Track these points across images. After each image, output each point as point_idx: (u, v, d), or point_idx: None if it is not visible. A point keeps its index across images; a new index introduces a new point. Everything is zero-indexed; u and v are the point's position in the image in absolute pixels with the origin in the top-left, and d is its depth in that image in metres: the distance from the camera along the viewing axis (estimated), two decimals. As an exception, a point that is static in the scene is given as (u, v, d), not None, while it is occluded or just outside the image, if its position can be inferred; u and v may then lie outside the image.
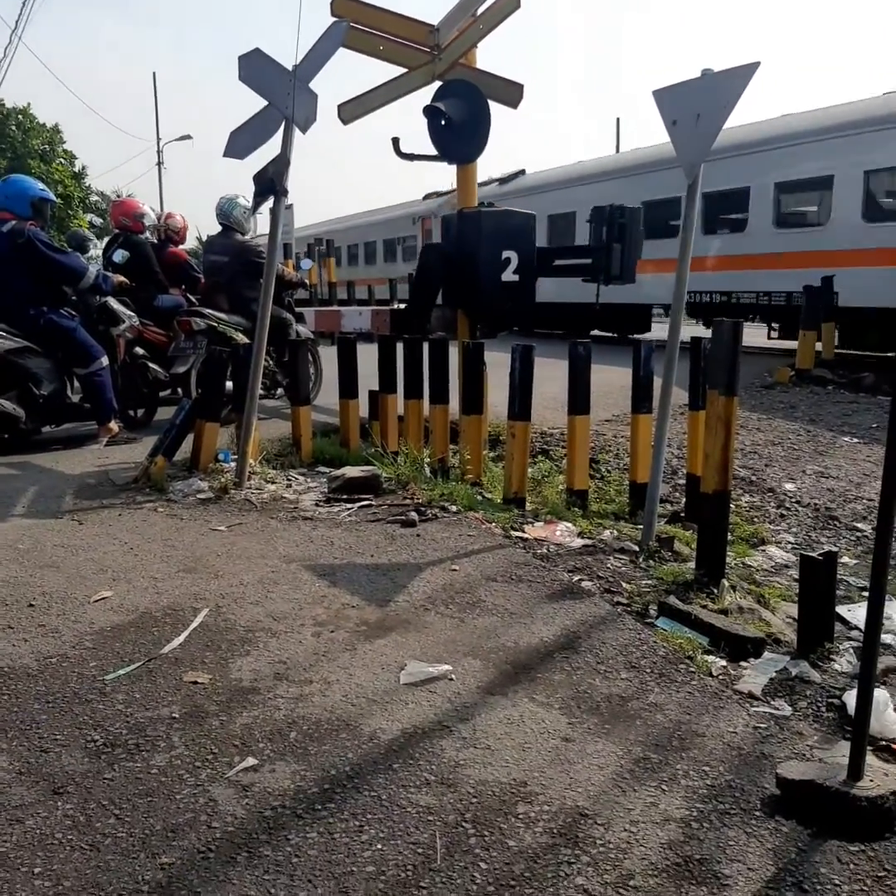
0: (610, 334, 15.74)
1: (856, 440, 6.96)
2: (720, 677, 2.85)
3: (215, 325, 6.70)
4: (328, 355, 7.61)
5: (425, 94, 6.15)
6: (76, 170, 40.04)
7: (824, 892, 1.84)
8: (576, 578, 3.69)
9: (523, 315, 6.47)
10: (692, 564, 3.79)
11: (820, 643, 3.08)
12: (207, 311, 6.82)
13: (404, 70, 6.20)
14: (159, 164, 38.93)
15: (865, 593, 3.46)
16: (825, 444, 6.86)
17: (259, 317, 5.13)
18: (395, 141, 6.30)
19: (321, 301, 17.22)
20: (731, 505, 4.15)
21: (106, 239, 8.69)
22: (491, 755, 2.34)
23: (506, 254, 5.84)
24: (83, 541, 4.10)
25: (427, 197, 22.34)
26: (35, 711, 2.56)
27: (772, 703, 2.71)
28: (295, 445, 5.96)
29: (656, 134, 27.55)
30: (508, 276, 5.86)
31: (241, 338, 6.50)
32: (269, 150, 5.06)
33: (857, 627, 3.36)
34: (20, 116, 37.72)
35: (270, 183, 5.05)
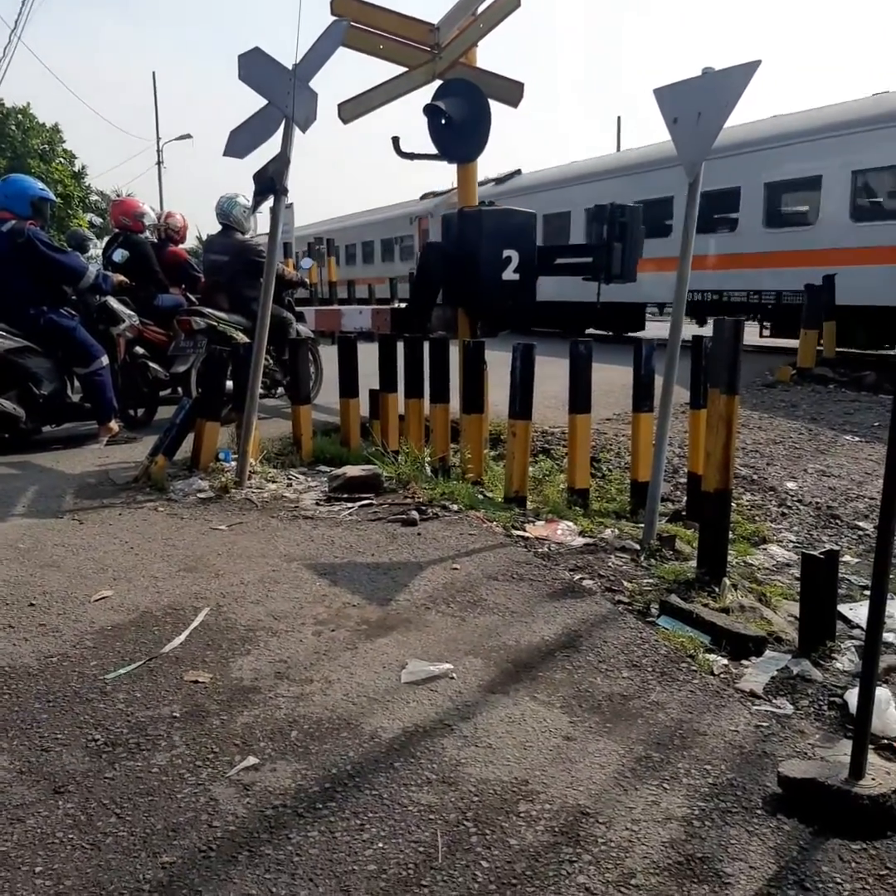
0: (604, 332, 15.77)
1: (857, 439, 6.95)
2: (722, 676, 2.85)
3: (215, 324, 6.70)
4: (329, 354, 7.61)
5: (425, 94, 6.16)
6: (76, 169, 40.09)
7: (826, 890, 1.83)
8: (577, 577, 3.68)
9: (524, 314, 6.46)
10: (693, 563, 3.79)
11: (821, 642, 3.07)
12: (207, 310, 6.82)
13: (404, 69, 6.20)
14: (159, 163, 38.98)
15: (867, 592, 3.47)
16: (827, 442, 6.85)
17: (259, 316, 5.12)
18: (396, 140, 6.30)
19: (321, 300, 17.22)
20: (733, 503, 4.15)
21: (106, 238, 8.69)
22: (492, 754, 2.33)
23: (506, 252, 5.83)
24: (84, 540, 4.09)
25: (424, 197, 22.37)
26: (36, 710, 2.56)
27: (773, 701, 2.70)
28: (295, 444, 5.96)
29: (656, 133, 27.56)
30: (509, 274, 5.86)
31: (242, 337, 6.50)
32: (269, 149, 5.07)
33: (858, 626, 3.36)
34: (20, 116, 37.75)
35: (270, 182, 5.05)
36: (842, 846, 1.97)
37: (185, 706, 2.58)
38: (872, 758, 2.15)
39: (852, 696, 2.53)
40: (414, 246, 21.71)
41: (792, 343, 12.33)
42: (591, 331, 15.10)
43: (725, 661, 2.96)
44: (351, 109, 6.06)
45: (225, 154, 5.14)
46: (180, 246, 8.44)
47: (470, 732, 2.44)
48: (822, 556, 3.07)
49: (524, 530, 4.34)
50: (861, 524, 5.01)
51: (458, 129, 5.96)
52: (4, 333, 5.84)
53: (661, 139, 14.51)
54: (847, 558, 4.40)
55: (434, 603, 3.37)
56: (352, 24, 5.55)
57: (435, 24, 6.17)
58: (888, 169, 11.07)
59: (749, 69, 3.73)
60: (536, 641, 3.03)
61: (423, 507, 4.58)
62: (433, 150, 6.20)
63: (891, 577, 2.13)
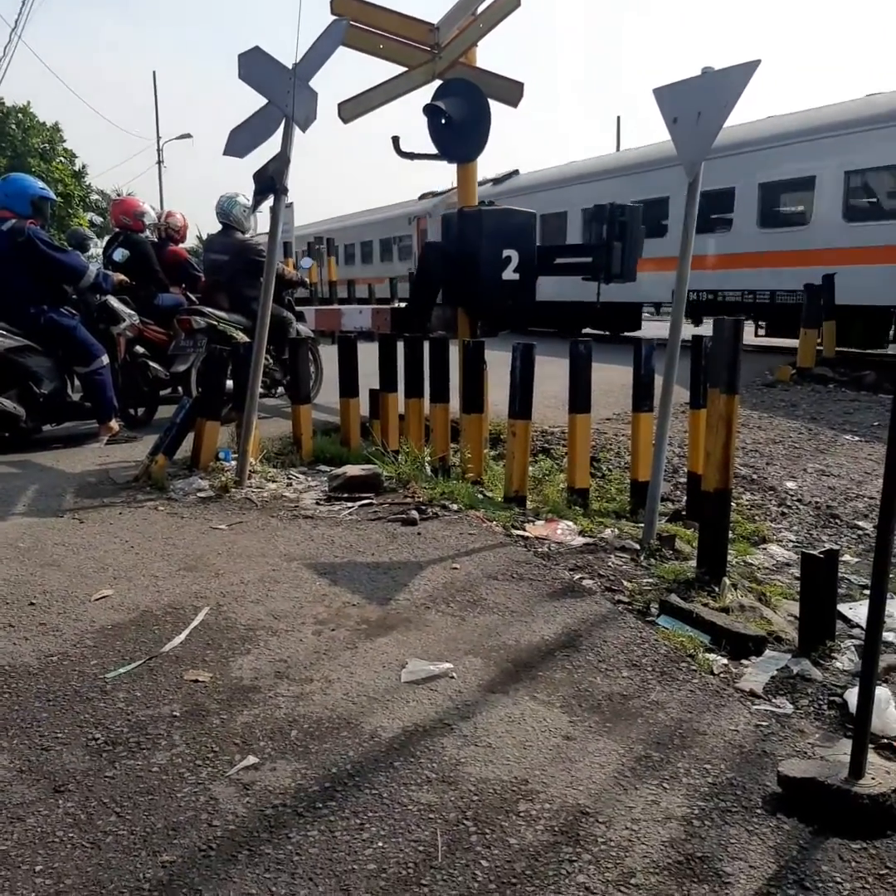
0: (601, 332, 15.81)
1: (857, 438, 6.95)
2: (721, 675, 2.85)
3: (215, 323, 6.70)
4: (329, 354, 7.61)
5: (425, 93, 6.16)
6: (76, 168, 40.05)
7: (826, 889, 1.84)
8: (577, 577, 3.68)
9: (524, 313, 6.47)
10: (693, 563, 3.79)
11: (821, 641, 3.07)
12: (208, 309, 6.82)
13: (404, 69, 6.20)
14: (159, 162, 39.00)
15: (867, 591, 3.47)
16: (826, 442, 6.86)
17: (259, 315, 5.13)
18: (396, 140, 6.30)
19: (321, 300, 17.22)
20: (733, 503, 4.15)
21: (106, 237, 8.69)
22: (492, 753, 2.34)
23: (506, 252, 5.83)
24: (84, 539, 4.10)
25: (422, 197, 22.42)
26: (36, 710, 2.56)
27: (773, 701, 2.71)
28: (295, 444, 5.96)
29: (656, 133, 27.55)
30: (509, 274, 5.86)
31: (242, 336, 6.50)
32: (269, 148, 5.07)
33: (858, 625, 3.36)
34: (20, 115, 37.71)
35: (270, 181, 5.05)
36: (841, 845, 1.97)
37: (186, 705, 2.59)
38: (872, 757, 2.15)
39: (852, 696, 2.53)
40: (412, 246, 21.76)
41: (787, 342, 12.43)
42: (587, 330, 15.17)
43: (725, 661, 2.96)
44: (351, 109, 6.06)
45: (225, 153, 5.14)
46: (180, 245, 8.44)
47: (470, 732, 2.44)
48: (821, 556, 3.08)
49: (524, 530, 4.34)
50: (861, 524, 5.01)
51: (458, 128, 5.97)
52: (5, 332, 5.84)
53: (657, 140, 14.66)
54: (847, 558, 4.40)
55: (434, 602, 3.37)
56: (352, 23, 5.55)
57: (435, 23, 6.18)
58: (880, 169, 11.18)
59: (749, 69, 3.72)
60: (536, 641, 3.03)
61: (423, 507, 4.58)
62: (433, 150, 6.20)
63: (890, 576, 2.14)
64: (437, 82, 6.16)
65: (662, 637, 3.08)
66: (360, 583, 3.57)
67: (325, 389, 7.57)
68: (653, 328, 16.16)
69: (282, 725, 2.47)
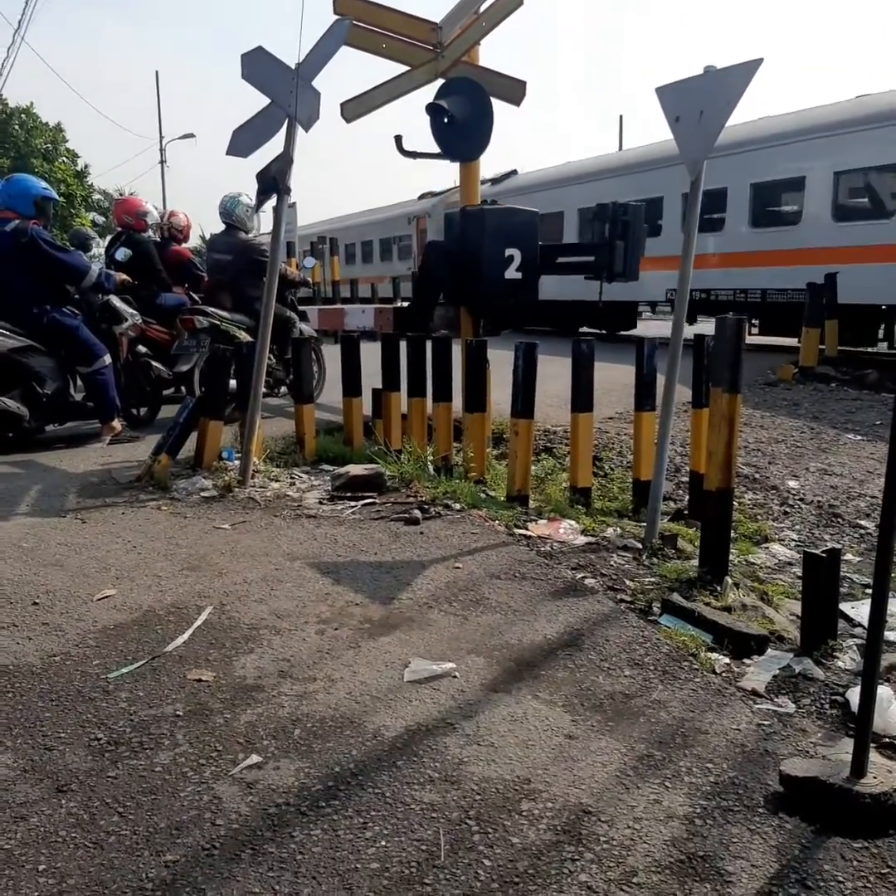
0: (598, 331, 15.87)
1: (859, 437, 6.95)
2: (723, 675, 2.85)
3: (218, 323, 6.71)
4: (332, 353, 7.61)
5: (428, 92, 6.16)
6: (79, 168, 40.07)
7: (828, 888, 1.84)
8: (579, 576, 3.68)
9: (526, 312, 6.47)
10: (695, 562, 3.79)
11: (823, 640, 3.07)
12: (210, 309, 6.83)
13: (407, 68, 6.20)
14: (162, 162, 39.07)
15: (869, 591, 3.46)
16: (828, 441, 6.85)
17: (262, 315, 5.13)
18: (398, 139, 6.30)
19: (324, 300, 17.24)
20: (735, 502, 4.15)
21: (108, 237, 8.71)
22: (495, 752, 2.34)
23: (509, 251, 5.83)
24: (87, 539, 4.10)
25: (422, 197, 22.48)
26: (39, 709, 2.56)
27: (775, 700, 2.71)
28: (298, 443, 5.96)
29: (657, 132, 27.52)
30: (511, 273, 5.85)
31: (245, 336, 6.50)
32: (272, 148, 5.07)
33: (860, 625, 3.36)
34: (23, 116, 37.76)
35: (273, 181, 5.05)
36: (843, 844, 1.97)
37: (189, 705, 2.59)
38: (874, 756, 2.15)
39: (854, 695, 2.53)
40: (412, 245, 21.84)
41: (778, 341, 12.49)
42: (583, 329, 15.26)
43: (727, 660, 2.96)
44: (353, 108, 6.06)
45: (228, 153, 5.15)
46: (183, 245, 8.45)
47: (472, 731, 2.44)
48: (823, 555, 3.07)
49: (526, 529, 4.34)
50: (863, 523, 5.01)
51: (461, 127, 5.96)
52: (7, 332, 5.85)
53: (652, 140, 14.81)
54: (849, 557, 4.40)
55: (437, 602, 3.37)
56: (354, 22, 5.55)
57: (437, 23, 6.17)
58: (869, 170, 11.29)
59: (750, 68, 3.72)
60: (539, 640, 3.04)
61: (426, 506, 4.58)
62: (435, 149, 6.19)
63: (892, 575, 2.14)
64: (440, 81, 6.16)
65: (664, 636, 3.08)
66: (363, 582, 3.57)
67: (328, 389, 7.58)
68: (646, 327, 16.28)
69: (285, 724, 2.48)
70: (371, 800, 2.13)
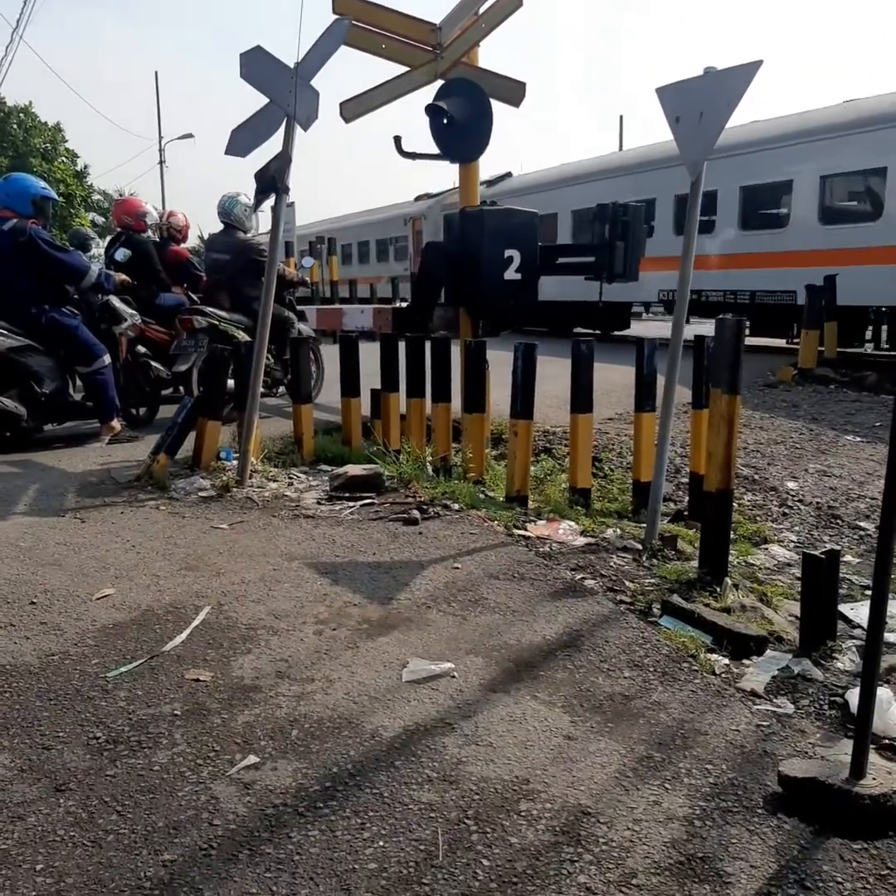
0: (592, 331, 15.92)
1: (858, 439, 6.95)
2: (723, 675, 2.85)
3: (217, 323, 6.70)
4: (330, 354, 7.61)
5: (427, 93, 6.16)
6: (78, 168, 40.05)
7: (827, 889, 1.83)
8: (578, 577, 3.68)
9: (526, 313, 6.47)
10: (695, 563, 3.78)
11: (822, 641, 3.07)
12: (209, 309, 6.82)
13: (406, 68, 6.20)
14: (161, 162, 39.07)
15: (868, 592, 3.46)
16: (828, 442, 6.85)
17: (260, 315, 5.12)
18: (397, 140, 6.30)
19: (323, 300, 17.24)
20: (734, 503, 4.15)
21: (108, 237, 8.70)
22: (493, 753, 2.33)
23: (508, 252, 5.83)
24: (85, 539, 4.10)
25: (418, 198, 22.57)
26: (37, 709, 2.56)
27: (774, 701, 2.70)
28: (297, 444, 5.96)
29: (657, 132, 27.52)
30: (511, 274, 5.85)
31: (243, 336, 6.50)
32: (270, 148, 5.06)
33: (859, 626, 3.36)
34: (22, 115, 37.72)
35: (272, 181, 5.05)
36: (843, 846, 1.97)
37: (186, 704, 2.59)
38: (873, 757, 2.14)
39: (853, 696, 2.53)
40: (408, 246, 21.92)
41: (767, 341, 12.57)
42: (578, 329, 15.34)
43: (727, 661, 2.96)
44: (352, 109, 6.06)
45: (226, 153, 5.14)
46: (182, 245, 8.44)
47: (471, 731, 2.44)
48: (823, 556, 3.07)
49: (526, 530, 4.34)
50: (862, 524, 5.01)
51: (460, 128, 5.96)
52: (6, 332, 5.84)
53: (651, 141, 14.88)
54: (848, 558, 4.40)
55: (435, 602, 3.37)
56: (354, 23, 5.55)
57: (437, 23, 6.17)
58: (854, 174, 11.44)
59: (751, 69, 3.72)
60: (538, 641, 3.03)
61: (425, 507, 4.58)
62: (435, 150, 6.19)
63: (892, 576, 2.13)
64: (439, 82, 6.16)
65: (664, 637, 3.08)
66: (361, 582, 3.57)
67: (327, 389, 7.58)
68: (646, 327, 16.33)
69: (283, 725, 2.47)
70: (369, 800, 2.13)
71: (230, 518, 4.46)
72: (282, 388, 7.60)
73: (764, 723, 2.52)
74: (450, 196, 19.08)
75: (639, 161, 14.79)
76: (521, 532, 4.30)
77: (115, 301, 6.65)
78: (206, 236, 26.41)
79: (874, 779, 2.07)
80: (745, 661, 2.99)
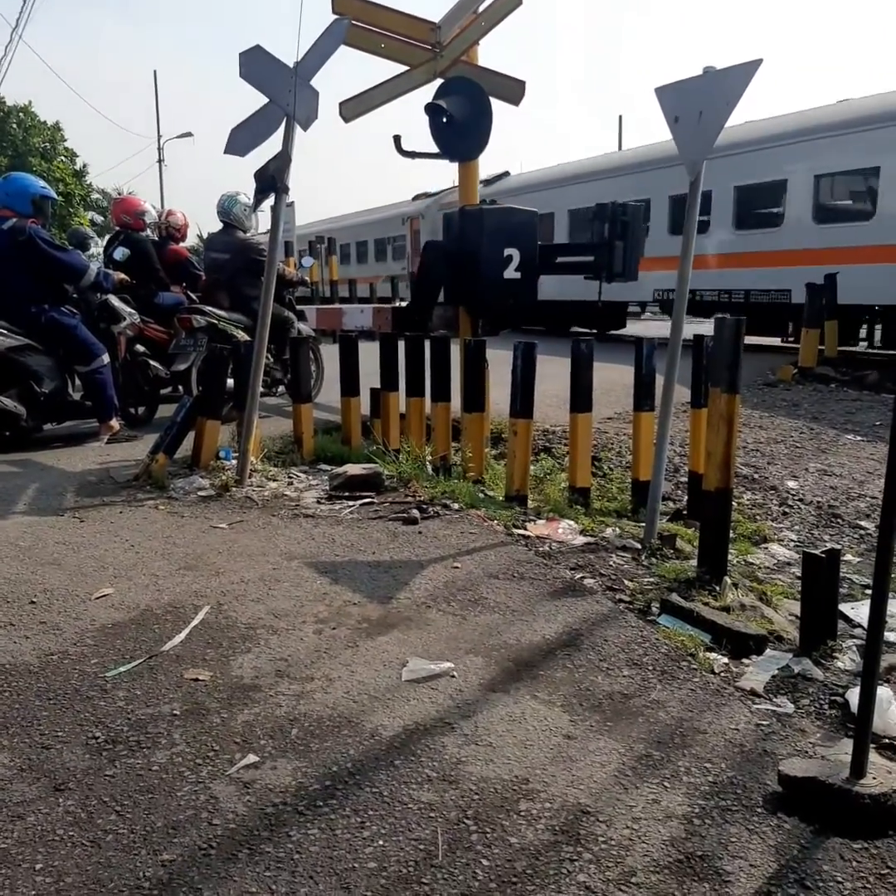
0: (588, 331, 15.95)
1: (859, 438, 6.95)
2: (722, 675, 2.84)
3: (216, 322, 6.70)
4: (330, 353, 7.61)
5: (427, 92, 6.16)
6: (77, 167, 40.06)
7: (826, 889, 1.83)
8: (578, 576, 3.68)
9: (525, 312, 6.47)
10: (694, 562, 3.78)
11: (823, 641, 3.07)
12: (208, 308, 6.82)
13: (406, 68, 6.20)
14: (160, 161, 39.03)
15: (868, 591, 3.46)
16: (828, 441, 6.85)
17: (260, 314, 5.12)
18: (397, 139, 6.30)
19: (322, 299, 17.25)
20: (734, 502, 4.15)
21: (107, 236, 8.70)
22: (493, 752, 2.33)
23: (508, 251, 5.83)
24: (84, 538, 4.10)
25: (416, 198, 22.62)
26: (36, 708, 2.56)
27: (774, 700, 2.70)
28: (296, 443, 5.95)
29: (657, 132, 27.54)
30: (510, 273, 5.85)
31: (242, 335, 6.50)
32: (270, 147, 5.06)
33: (859, 625, 3.36)
34: (21, 114, 37.73)
35: (271, 180, 5.05)
36: (842, 845, 1.97)
37: (186, 704, 2.58)
38: (873, 757, 2.14)
39: (853, 695, 2.53)
40: (406, 246, 21.97)
41: (760, 340, 12.60)
42: (573, 329, 15.42)
43: (726, 660, 2.95)
44: (352, 108, 6.06)
45: (226, 152, 5.14)
46: (181, 244, 8.44)
47: (470, 731, 2.44)
48: (823, 555, 3.07)
49: (525, 529, 4.34)
50: (862, 523, 5.01)
51: (460, 127, 5.96)
52: (5, 331, 5.84)
53: (650, 141, 14.92)
54: (848, 557, 4.40)
55: (435, 601, 3.37)
56: (353, 22, 5.55)
57: (436, 22, 6.17)
58: (847, 173, 11.50)
59: (750, 68, 3.72)
60: (537, 640, 3.03)
61: (424, 506, 4.58)
62: (434, 149, 6.19)
63: (892, 576, 2.13)
64: (439, 81, 6.16)
65: (663, 636, 3.08)
66: (360, 581, 3.57)
67: (327, 388, 7.58)
68: (639, 327, 16.37)
69: (282, 724, 2.47)
70: (369, 799, 2.13)
71: (229, 517, 4.46)
72: (281, 388, 7.60)
73: (764, 722, 2.52)
74: (447, 195, 19.10)
75: (634, 162, 14.90)
76: (521, 531, 4.30)
77: (114, 300, 6.65)
78: (205, 235, 26.46)
79: (874, 778, 2.07)
80: (745, 661, 2.98)
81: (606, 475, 5.96)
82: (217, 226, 7.39)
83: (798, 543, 4.69)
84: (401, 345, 5.99)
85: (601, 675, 2.79)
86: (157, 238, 8.00)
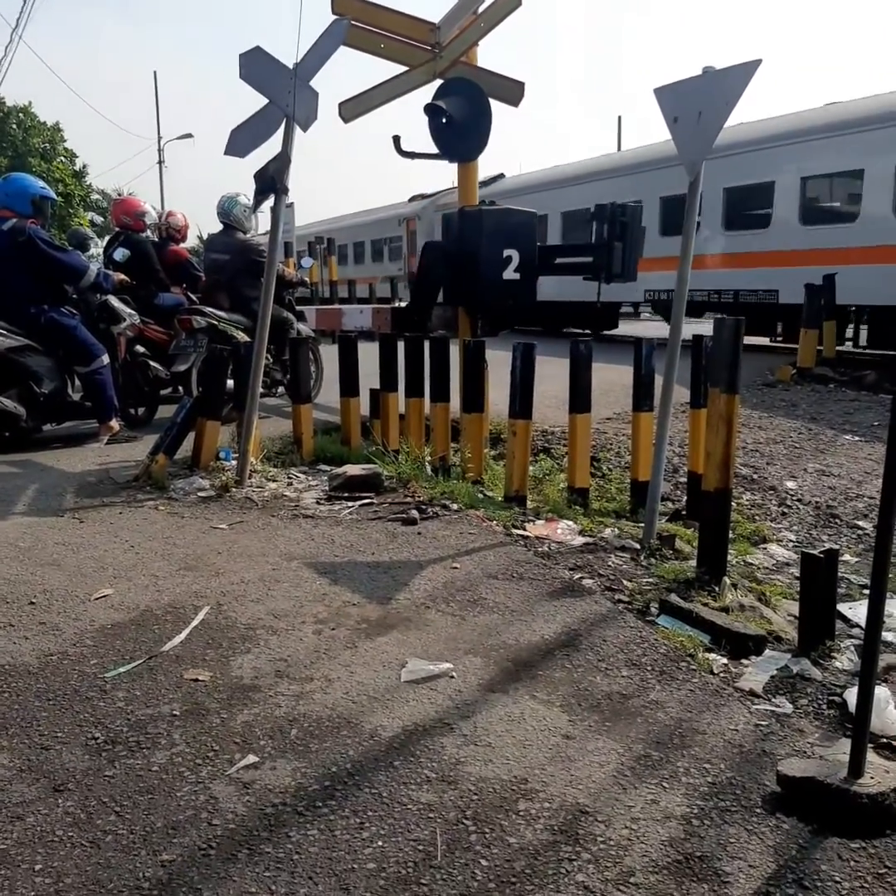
0: (582, 331, 15.99)
1: (857, 438, 6.95)
2: (721, 675, 2.85)
3: (216, 323, 6.70)
4: (329, 354, 7.61)
5: (426, 93, 6.16)
6: (77, 168, 40.03)
7: (825, 888, 1.84)
8: (577, 576, 3.68)
9: (524, 313, 6.48)
10: (693, 562, 3.79)
11: (821, 641, 3.07)
12: (208, 309, 6.82)
13: (405, 68, 6.20)
14: (160, 162, 39.04)
15: (866, 591, 3.46)
16: (826, 442, 6.85)
17: (260, 315, 5.12)
18: (396, 139, 6.30)
19: (322, 300, 17.25)
20: (733, 503, 4.15)
21: (107, 237, 8.70)
22: (492, 752, 2.34)
23: (507, 252, 5.83)
24: (84, 539, 4.10)
25: (412, 199, 22.65)
26: (36, 709, 2.56)
27: (773, 700, 2.71)
28: (296, 444, 5.96)
29: (657, 133, 27.53)
30: (510, 274, 5.86)
31: (242, 336, 6.50)
32: (270, 148, 5.07)
33: (858, 625, 3.37)
34: (21, 115, 37.70)
35: (271, 181, 5.05)
36: (841, 845, 1.97)
37: (185, 704, 2.59)
38: (871, 756, 2.15)
39: (851, 695, 2.53)
40: (402, 247, 22.02)
41: (754, 340, 12.63)
42: (567, 329, 15.50)
43: (725, 660, 2.96)
44: (351, 108, 6.06)
45: (226, 153, 5.14)
46: (181, 245, 8.44)
47: (469, 731, 2.44)
48: (821, 556, 3.08)
49: (524, 529, 4.34)
50: (860, 523, 5.01)
51: (459, 128, 5.97)
52: (5, 332, 5.84)
53: (648, 142, 14.98)
54: (846, 557, 4.40)
55: (434, 602, 3.37)
56: (353, 23, 5.55)
57: (436, 23, 6.17)
58: (833, 176, 11.60)
59: (749, 68, 3.72)
60: (536, 640, 3.04)
61: (424, 506, 4.58)
62: (434, 150, 6.20)
63: (890, 576, 2.14)
64: (438, 82, 6.16)
65: (662, 636, 3.08)
66: (360, 582, 3.57)
67: (326, 389, 7.58)
68: (638, 328, 16.42)
69: (282, 724, 2.47)
70: (368, 800, 2.13)
71: (229, 518, 4.46)
72: (281, 388, 7.60)
73: (762, 722, 2.52)
74: (443, 197, 19.13)
75: (627, 164, 15.05)
76: (520, 532, 4.30)
77: (114, 301, 6.65)
78: (205, 236, 26.47)
79: (872, 778, 2.07)
80: (744, 661, 2.99)
81: (605, 475, 5.96)
82: (217, 227, 7.41)
83: (797, 544, 4.69)
84: (400, 345, 6.00)
85: (600, 675, 2.79)
86: (157, 239, 8.01)
